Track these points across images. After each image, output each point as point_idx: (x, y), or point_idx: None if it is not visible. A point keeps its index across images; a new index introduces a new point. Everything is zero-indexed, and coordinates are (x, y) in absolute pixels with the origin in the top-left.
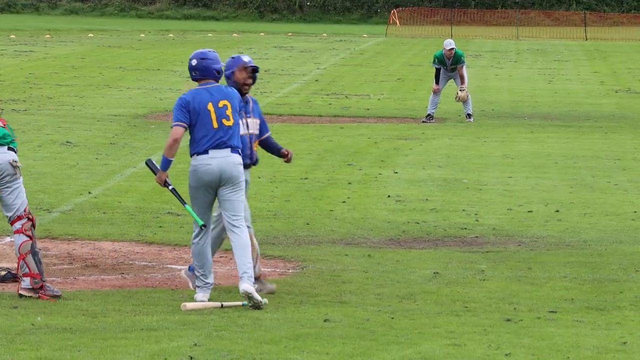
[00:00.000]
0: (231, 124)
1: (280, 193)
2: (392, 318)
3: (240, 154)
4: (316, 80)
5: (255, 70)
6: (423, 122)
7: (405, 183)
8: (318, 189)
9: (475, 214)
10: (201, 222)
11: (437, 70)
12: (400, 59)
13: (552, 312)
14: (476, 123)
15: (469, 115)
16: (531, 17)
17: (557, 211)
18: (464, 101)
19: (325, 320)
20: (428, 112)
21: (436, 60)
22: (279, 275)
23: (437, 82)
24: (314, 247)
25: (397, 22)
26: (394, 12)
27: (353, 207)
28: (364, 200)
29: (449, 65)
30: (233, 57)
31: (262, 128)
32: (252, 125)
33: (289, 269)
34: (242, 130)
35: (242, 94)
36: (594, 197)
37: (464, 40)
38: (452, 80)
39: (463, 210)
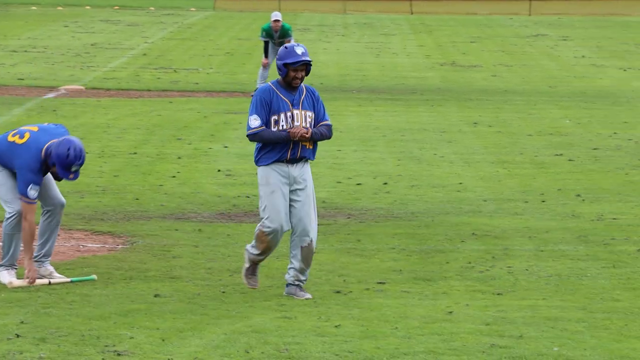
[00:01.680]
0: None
1: (109, 168)
2: (223, 292)
3: None
4: (144, 54)
5: (307, 64)
6: (252, 96)
7: (235, 157)
8: (147, 164)
9: None
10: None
11: (266, 44)
12: (229, 32)
13: (380, 283)
14: None
15: None
16: None
17: (385, 184)
18: None
19: (155, 296)
20: (258, 86)
21: (264, 33)
22: (108, 251)
23: (266, 56)
24: (143, 222)
25: None
26: None
27: (183, 181)
28: (194, 175)
29: (276, 38)
30: (286, 48)
31: (317, 118)
32: (297, 117)
33: (118, 245)
34: (284, 124)
35: (293, 87)
36: (420, 170)
37: (292, 14)
38: None
39: None
